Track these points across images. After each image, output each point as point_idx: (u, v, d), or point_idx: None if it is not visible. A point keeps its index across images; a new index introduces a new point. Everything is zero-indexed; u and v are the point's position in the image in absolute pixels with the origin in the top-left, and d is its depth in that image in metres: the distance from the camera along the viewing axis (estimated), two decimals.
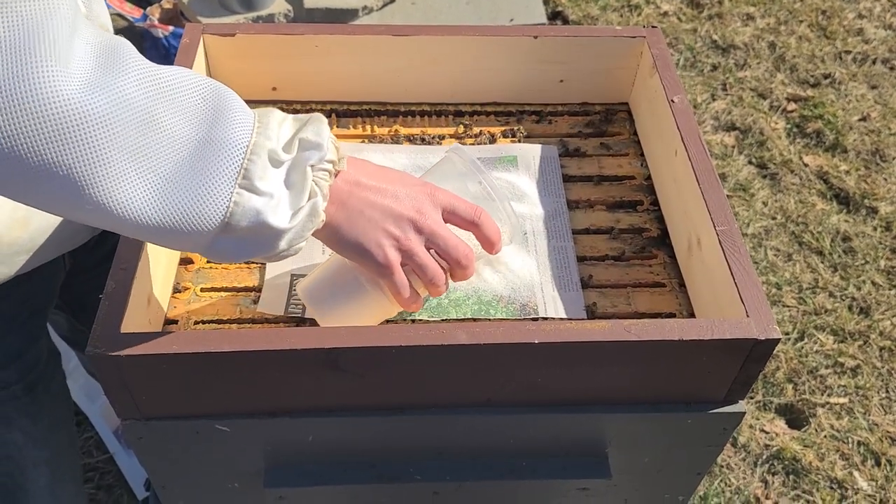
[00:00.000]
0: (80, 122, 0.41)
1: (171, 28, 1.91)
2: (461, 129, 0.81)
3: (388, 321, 0.64)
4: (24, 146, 0.40)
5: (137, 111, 0.43)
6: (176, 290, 0.66)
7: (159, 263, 0.62)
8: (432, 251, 0.58)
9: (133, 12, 1.94)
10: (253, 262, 0.67)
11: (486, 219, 0.60)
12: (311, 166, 0.50)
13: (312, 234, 0.53)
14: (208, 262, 0.68)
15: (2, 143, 0.39)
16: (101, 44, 0.43)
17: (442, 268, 0.58)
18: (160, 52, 1.90)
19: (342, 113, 0.82)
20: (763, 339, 0.55)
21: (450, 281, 0.60)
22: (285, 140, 0.50)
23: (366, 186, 0.55)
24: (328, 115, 0.82)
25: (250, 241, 0.49)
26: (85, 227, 0.74)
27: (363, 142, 0.80)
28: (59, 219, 0.70)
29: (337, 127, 0.81)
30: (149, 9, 2.02)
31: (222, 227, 0.48)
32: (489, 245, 0.61)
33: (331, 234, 0.54)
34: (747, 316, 0.56)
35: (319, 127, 0.51)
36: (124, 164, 0.43)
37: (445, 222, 0.58)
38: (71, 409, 0.91)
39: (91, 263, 0.83)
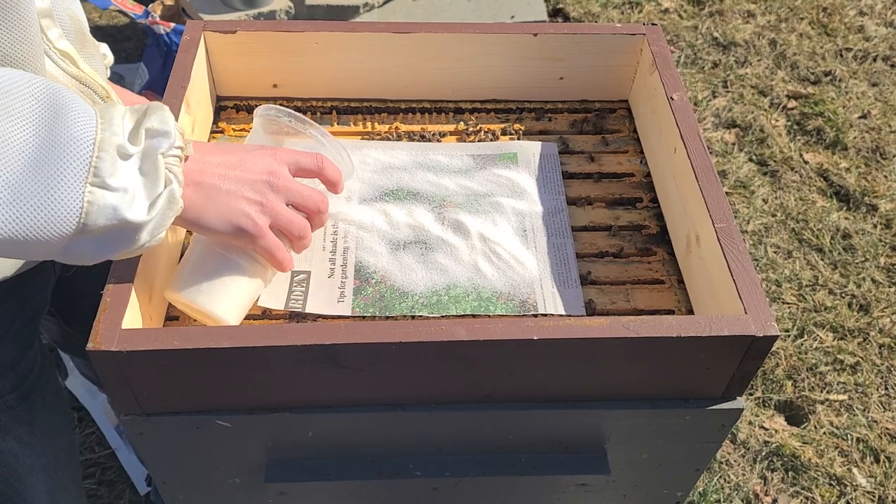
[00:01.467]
0: None
1: (172, 25, 1.91)
2: (461, 125, 0.81)
3: (372, 318, 0.64)
4: None
5: None
6: None
7: (160, 260, 0.63)
8: (290, 206, 0.59)
9: (135, 9, 1.94)
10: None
11: (326, 162, 0.62)
12: (162, 154, 0.50)
13: (175, 222, 0.53)
14: None
15: None
16: None
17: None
18: (162, 49, 1.90)
19: (343, 110, 0.82)
20: (761, 335, 0.56)
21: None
22: (129, 132, 0.50)
23: (213, 163, 0.55)
24: (328, 112, 0.82)
25: (109, 238, 0.49)
26: None
27: (363, 139, 0.80)
28: None
29: (337, 124, 0.81)
30: (151, 5, 2.02)
31: (79, 229, 0.47)
32: (333, 185, 0.64)
33: (194, 217, 0.54)
34: (745, 313, 0.57)
35: (163, 114, 0.51)
36: None
37: (293, 176, 0.60)
38: (67, 413, 0.90)
39: (81, 268, 0.83)
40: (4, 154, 0.43)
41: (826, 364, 1.54)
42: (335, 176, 0.64)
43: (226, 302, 0.59)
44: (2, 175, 0.43)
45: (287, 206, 0.59)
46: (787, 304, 1.64)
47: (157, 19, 1.93)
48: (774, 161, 1.94)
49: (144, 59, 1.90)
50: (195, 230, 0.56)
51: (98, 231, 0.48)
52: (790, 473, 1.39)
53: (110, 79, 0.76)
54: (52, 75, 0.62)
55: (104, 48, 0.77)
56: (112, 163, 0.47)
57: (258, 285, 0.62)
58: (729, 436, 1.42)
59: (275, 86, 0.81)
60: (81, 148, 0.46)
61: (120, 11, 2.01)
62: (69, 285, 0.84)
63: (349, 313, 0.64)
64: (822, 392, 1.49)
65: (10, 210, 0.44)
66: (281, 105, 0.81)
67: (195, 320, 0.64)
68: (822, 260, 1.72)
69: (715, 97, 2.11)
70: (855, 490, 1.36)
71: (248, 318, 0.64)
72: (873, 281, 1.68)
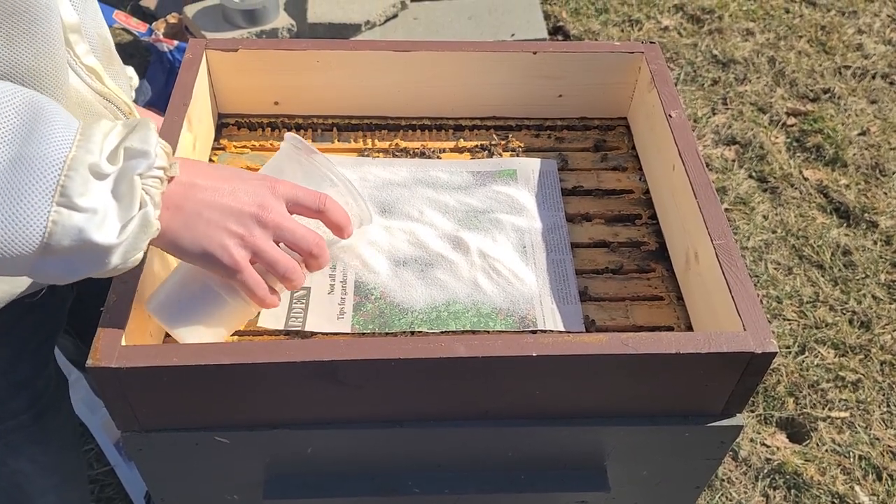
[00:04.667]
0: None
1: (175, 42, 1.93)
2: (461, 142, 0.82)
3: (371, 334, 0.64)
4: None
5: None
6: None
7: (160, 277, 0.63)
8: (282, 245, 0.56)
9: (138, 27, 1.96)
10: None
11: (331, 204, 0.59)
12: (140, 175, 0.48)
13: (152, 244, 0.51)
14: None
15: None
16: None
17: (298, 260, 0.58)
18: (165, 66, 1.91)
19: (343, 127, 0.83)
20: (760, 352, 0.56)
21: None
22: (110, 151, 0.48)
23: (201, 187, 0.53)
24: (329, 129, 0.83)
25: (77, 259, 0.47)
26: None
27: (363, 155, 0.80)
28: None
29: (338, 140, 0.82)
30: (154, 23, 2.03)
31: (42, 248, 0.46)
32: (339, 230, 0.60)
33: (170, 242, 0.53)
34: (744, 329, 0.57)
35: (146, 133, 0.49)
36: None
37: (291, 213, 0.57)
38: (77, 433, 0.90)
39: (98, 288, 0.83)
40: None
41: (827, 381, 1.53)
42: (341, 219, 0.60)
43: (198, 331, 0.57)
44: None
45: (278, 244, 0.56)
46: (788, 320, 1.64)
47: (161, 37, 1.95)
48: (774, 178, 1.94)
49: (147, 77, 1.92)
50: (171, 253, 0.54)
51: (63, 252, 0.46)
52: (792, 491, 1.38)
53: None
54: (77, 90, 0.62)
55: (130, 71, 0.78)
56: (83, 182, 0.46)
57: (236, 320, 0.60)
58: (730, 453, 1.42)
59: (276, 103, 0.82)
60: (50, 166, 0.45)
61: (124, 29, 2.03)
62: (86, 304, 0.84)
63: (349, 330, 0.64)
64: (823, 409, 1.49)
65: None
66: (283, 121, 0.82)
67: None
68: (822, 276, 1.72)
69: (714, 114, 2.12)
70: None
71: (246, 333, 0.64)
72: (874, 297, 1.68)
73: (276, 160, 0.64)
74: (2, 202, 0.44)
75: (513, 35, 2.12)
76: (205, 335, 0.58)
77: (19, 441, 0.77)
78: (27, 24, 0.53)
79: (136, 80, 0.78)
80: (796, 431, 1.47)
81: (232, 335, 0.64)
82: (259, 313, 0.65)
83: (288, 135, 0.64)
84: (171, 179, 0.52)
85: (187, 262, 0.56)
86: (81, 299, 0.83)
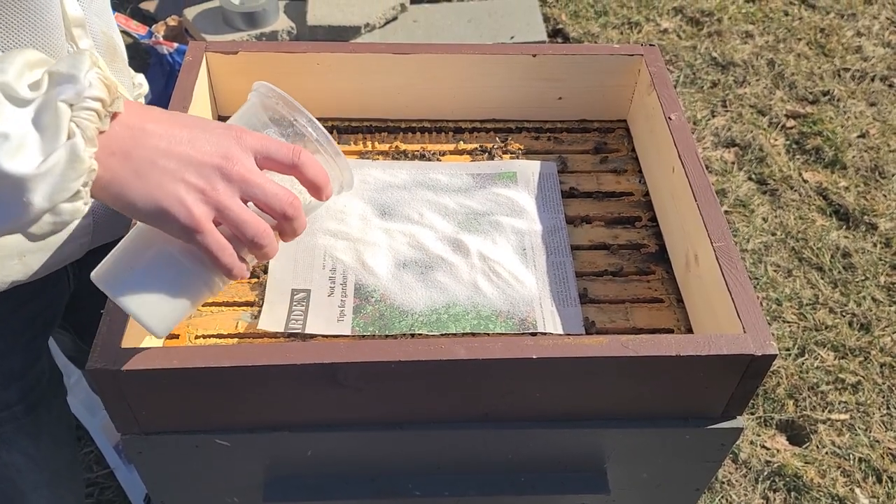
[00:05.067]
0: None
1: (175, 45, 1.93)
2: (461, 145, 0.82)
3: (371, 336, 0.64)
4: None
5: None
6: None
7: None
8: (250, 204, 0.49)
9: (138, 29, 1.96)
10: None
11: (307, 158, 0.50)
12: (67, 103, 0.42)
13: (95, 197, 0.45)
14: None
15: None
16: None
17: (269, 224, 0.50)
18: (165, 68, 1.91)
19: (343, 129, 0.83)
20: (760, 354, 0.56)
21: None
22: (33, 79, 0.43)
23: (154, 133, 0.46)
24: (329, 131, 0.83)
25: None
26: (80, 236, 0.73)
27: (363, 158, 0.80)
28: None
29: (339, 143, 0.82)
30: (154, 26, 2.04)
31: None
32: (316, 190, 0.52)
33: (116, 195, 0.45)
34: (744, 332, 0.57)
35: (78, 59, 0.43)
36: None
37: (261, 169, 0.49)
38: (72, 429, 0.90)
39: (95, 287, 0.83)
40: None
41: (827, 383, 1.53)
42: (319, 177, 0.51)
43: (150, 302, 0.49)
44: None
45: (245, 202, 0.48)
46: (788, 322, 1.64)
47: (161, 39, 1.95)
48: (774, 180, 1.94)
49: (147, 79, 1.92)
50: (120, 209, 0.47)
51: None
52: (792, 494, 1.38)
53: None
54: None
55: (140, 78, 0.77)
56: None
57: (198, 292, 0.52)
58: (730, 455, 1.42)
59: None
60: None
61: (124, 32, 2.03)
62: (85, 301, 0.85)
63: (349, 332, 0.64)
64: (823, 411, 1.49)
65: None
66: None
67: (197, 338, 0.64)
68: (822, 279, 1.72)
69: (714, 116, 2.12)
70: None
71: (247, 336, 0.64)
72: (874, 300, 1.68)
73: (242, 112, 0.55)
74: None
75: (512, 38, 2.12)
76: (160, 308, 0.50)
77: (11, 433, 0.78)
78: (27, 12, 0.53)
79: (145, 88, 0.78)
80: (796, 434, 1.47)
81: (232, 338, 0.64)
82: (260, 317, 0.65)
83: (258, 83, 0.55)
84: (114, 117, 0.45)
85: (139, 219, 0.48)
86: (80, 295, 0.83)
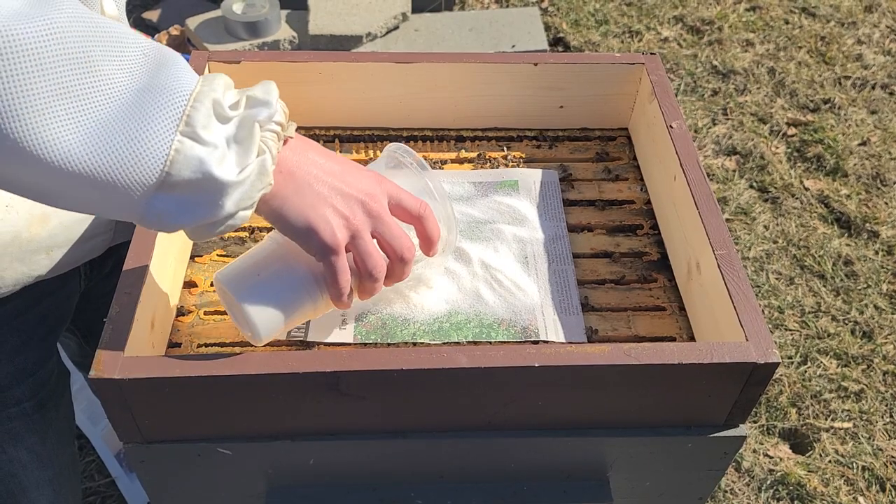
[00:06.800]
0: (4, 50, 0.39)
1: None
2: (462, 153, 0.82)
3: (373, 345, 0.64)
4: None
5: (70, 47, 0.41)
6: (180, 314, 0.66)
7: (163, 287, 0.63)
8: (375, 241, 0.55)
9: None
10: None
11: (430, 214, 0.58)
12: (259, 123, 0.48)
13: (258, 212, 0.50)
14: (212, 284, 0.69)
15: None
16: None
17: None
18: None
19: (345, 138, 0.83)
20: (762, 362, 0.56)
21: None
22: (232, 100, 0.48)
23: (314, 162, 0.53)
24: (331, 140, 0.83)
25: (192, 199, 0.46)
26: (103, 232, 0.74)
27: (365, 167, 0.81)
28: (78, 216, 0.70)
29: (340, 152, 0.82)
30: (156, 35, 2.04)
31: (162, 178, 0.45)
32: (428, 244, 0.59)
33: (276, 209, 0.51)
34: (747, 339, 0.57)
35: (268, 86, 0.50)
36: (53, 100, 0.41)
37: (391, 213, 0.56)
38: (73, 429, 0.91)
39: (105, 290, 0.84)
40: (105, 92, 0.43)
41: (830, 391, 1.53)
42: (434, 233, 0.58)
43: (266, 312, 0.55)
44: (96, 109, 0.43)
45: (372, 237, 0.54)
46: (790, 330, 1.63)
47: None
48: (775, 188, 1.94)
49: None
50: (273, 221, 0.52)
51: (181, 186, 0.45)
52: (795, 502, 1.37)
53: None
54: None
55: None
56: (207, 116, 0.46)
57: (306, 311, 0.57)
58: (733, 464, 1.41)
59: None
60: (178, 96, 0.45)
61: None
62: (93, 304, 0.85)
63: (351, 340, 0.64)
64: (826, 420, 1.48)
65: (94, 144, 0.43)
66: None
67: (199, 346, 0.64)
68: (824, 286, 1.72)
69: (715, 124, 2.12)
70: None
71: (248, 344, 0.64)
72: (876, 307, 1.68)
73: (383, 163, 0.62)
74: (126, 125, 0.43)
75: (513, 46, 2.13)
76: (272, 316, 0.55)
77: (20, 429, 0.78)
78: None
79: None
80: (799, 442, 1.47)
81: (234, 347, 0.64)
82: None
83: (392, 145, 0.63)
84: (286, 142, 0.51)
85: (284, 232, 0.53)
86: (88, 298, 0.83)
